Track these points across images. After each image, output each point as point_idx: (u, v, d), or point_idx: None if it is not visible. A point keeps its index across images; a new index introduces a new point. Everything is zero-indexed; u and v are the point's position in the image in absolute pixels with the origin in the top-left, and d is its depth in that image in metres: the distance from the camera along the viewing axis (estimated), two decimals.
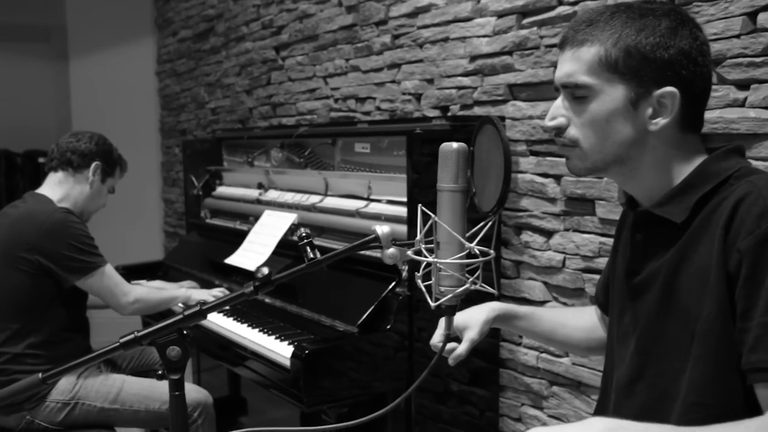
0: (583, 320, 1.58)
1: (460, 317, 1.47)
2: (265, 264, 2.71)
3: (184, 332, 1.20)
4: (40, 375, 1.19)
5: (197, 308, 1.19)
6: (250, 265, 2.76)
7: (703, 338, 1.09)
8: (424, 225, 1.19)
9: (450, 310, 1.19)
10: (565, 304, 2.27)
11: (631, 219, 1.27)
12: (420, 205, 1.19)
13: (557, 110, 1.21)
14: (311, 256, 1.22)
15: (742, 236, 1.04)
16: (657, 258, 1.19)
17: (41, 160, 5.19)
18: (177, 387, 1.19)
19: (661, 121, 1.15)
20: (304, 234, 1.24)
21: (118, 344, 1.18)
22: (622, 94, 1.14)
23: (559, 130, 1.21)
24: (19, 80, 5.63)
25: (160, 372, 1.23)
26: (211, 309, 1.18)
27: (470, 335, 1.44)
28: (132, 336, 1.18)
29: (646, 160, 1.18)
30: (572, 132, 1.20)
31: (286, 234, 2.75)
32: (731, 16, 1.75)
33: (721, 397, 1.09)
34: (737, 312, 1.05)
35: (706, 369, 1.09)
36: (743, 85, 1.75)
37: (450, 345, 1.43)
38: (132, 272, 3.16)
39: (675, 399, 1.15)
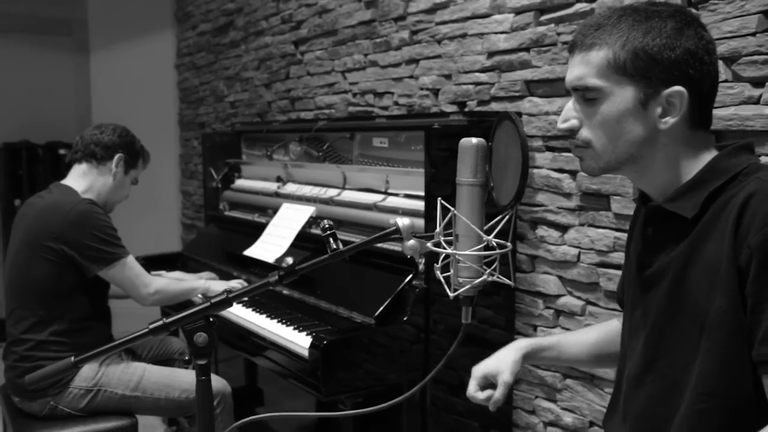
0: (610, 335, 1.57)
1: (491, 363, 1.50)
2: (283, 256, 2.75)
3: (211, 319, 1.24)
4: (72, 359, 1.24)
5: (224, 296, 1.23)
6: (269, 257, 2.81)
7: (712, 331, 1.13)
8: (443, 218, 1.23)
9: (468, 301, 1.23)
10: (579, 298, 2.30)
11: (643, 214, 1.31)
12: (440, 198, 1.23)
13: (569, 113, 1.25)
14: (334, 246, 1.26)
15: (753, 232, 1.07)
16: (667, 252, 1.23)
17: (62, 151, 5.26)
18: (203, 372, 1.24)
19: (670, 120, 1.18)
20: (327, 225, 1.28)
21: (147, 330, 1.23)
22: (632, 94, 1.18)
23: (572, 132, 1.25)
24: (40, 72, 5.70)
25: (186, 357, 1.27)
26: (238, 297, 1.22)
27: (504, 378, 1.45)
28: (161, 322, 1.23)
29: (658, 158, 1.22)
30: (585, 133, 1.24)
31: (304, 227, 2.79)
32: (747, 14, 1.77)
33: (729, 389, 1.12)
34: (748, 306, 1.09)
35: (715, 361, 1.13)
36: (758, 82, 1.77)
37: (487, 392, 1.47)
38: (151, 263, 3.21)
39: (684, 390, 1.18)
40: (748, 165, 1.17)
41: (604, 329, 1.60)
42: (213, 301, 1.23)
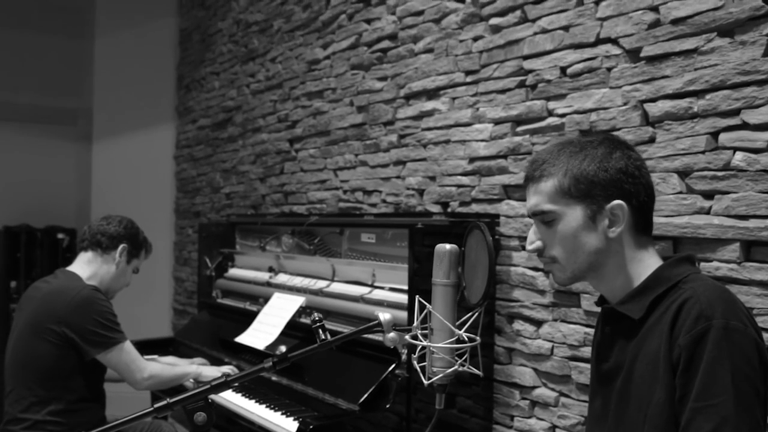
0: None
1: None
2: (274, 344, 2.88)
3: (210, 400, 1.38)
4: None
5: (222, 379, 1.37)
6: (260, 344, 2.93)
7: (653, 419, 1.28)
8: (420, 313, 1.39)
9: (441, 388, 1.38)
10: (553, 389, 2.44)
11: (601, 314, 1.48)
12: (417, 296, 1.40)
13: (533, 236, 1.45)
14: (323, 337, 1.41)
15: (683, 334, 1.25)
16: (621, 348, 1.40)
17: (60, 236, 5.42)
18: None
19: (617, 229, 1.38)
20: (317, 318, 1.44)
21: (152, 409, 1.36)
22: (581, 213, 1.38)
23: (539, 252, 1.44)
24: (43, 159, 5.91)
25: None
26: (236, 380, 1.37)
27: None
28: (165, 402, 1.36)
29: (611, 264, 1.40)
30: (549, 251, 1.43)
31: (294, 316, 2.93)
32: (697, 135, 1.99)
33: None
34: (676, 397, 1.25)
35: None
36: (708, 195, 1.97)
37: None
38: (144, 347, 3.29)
39: None
40: (688, 275, 1.35)
41: None
42: (213, 383, 1.37)
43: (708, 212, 1.97)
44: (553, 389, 2.45)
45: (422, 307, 1.39)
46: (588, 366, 2.27)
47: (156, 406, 1.37)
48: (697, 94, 1.99)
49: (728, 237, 1.90)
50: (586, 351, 2.31)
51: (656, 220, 2.05)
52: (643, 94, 2.13)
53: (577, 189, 1.37)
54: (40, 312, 2.56)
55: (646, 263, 1.40)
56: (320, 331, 1.42)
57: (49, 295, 2.59)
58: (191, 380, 2.84)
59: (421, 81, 2.99)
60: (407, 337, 1.40)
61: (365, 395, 2.32)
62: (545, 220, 1.41)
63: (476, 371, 1.38)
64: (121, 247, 2.75)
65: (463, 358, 1.37)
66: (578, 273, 1.42)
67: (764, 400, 1.25)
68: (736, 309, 1.26)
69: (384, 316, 1.41)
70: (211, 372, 2.88)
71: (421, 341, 1.38)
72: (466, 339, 1.37)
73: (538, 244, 1.44)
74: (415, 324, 1.39)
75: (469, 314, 1.39)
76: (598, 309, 2.18)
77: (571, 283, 1.47)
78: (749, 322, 1.26)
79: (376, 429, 2.31)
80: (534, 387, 2.51)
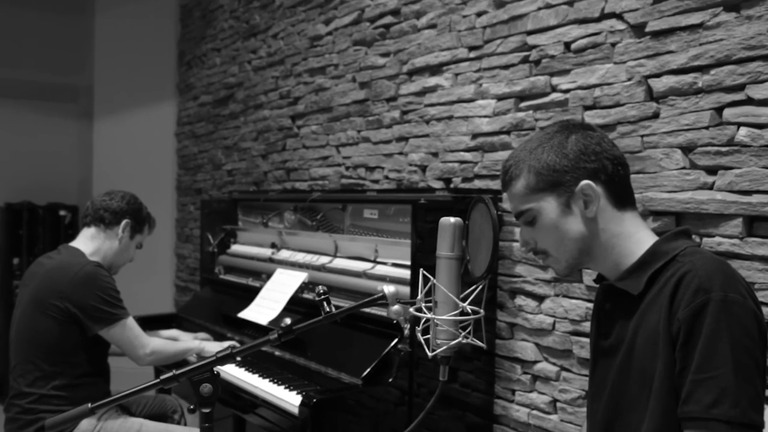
0: None
1: None
2: (276, 319, 2.90)
3: (215, 372, 1.39)
4: (89, 405, 1.38)
5: (228, 351, 1.38)
6: (262, 319, 2.95)
7: (656, 393, 1.29)
8: (425, 286, 1.40)
9: (445, 360, 1.38)
10: (554, 364, 2.45)
11: (601, 290, 1.49)
12: (421, 269, 1.40)
13: (522, 236, 1.49)
14: (327, 309, 1.42)
15: (682, 308, 1.26)
16: (621, 324, 1.41)
17: (62, 212, 5.42)
18: (207, 419, 1.38)
19: (593, 208, 1.40)
20: (322, 291, 1.45)
21: (158, 380, 1.37)
22: (555, 202, 1.42)
23: (533, 250, 1.48)
24: (44, 137, 5.90)
25: (192, 406, 1.42)
26: (241, 352, 1.38)
27: None
28: (171, 373, 1.38)
29: (600, 244, 1.42)
30: (540, 246, 1.46)
31: (296, 292, 2.94)
32: (701, 110, 1.98)
33: None
34: (676, 370, 1.26)
35: (658, 420, 1.29)
36: (712, 170, 1.97)
37: None
38: (147, 323, 3.31)
39: None
40: (685, 248, 1.36)
41: None
42: (218, 355, 1.38)
43: (711, 188, 1.97)
44: (554, 364, 2.46)
45: (426, 280, 1.40)
46: (588, 340, 2.28)
47: (162, 377, 1.38)
48: (702, 69, 1.98)
49: (731, 212, 1.91)
50: (588, 326, 2.32)
51: (659, 195, 2.07)
52: (647, 70, 2.13)
53: (544, 182, 1.41)
54: (44, 288, 2.57)
55: (637, 237, 1.42)
56: (325, 303, 1.43)
57: (52, 270, 2.60)
58: (194, 356, 2.86)
59: (424, 57, 2.98)
60: (411, 309, 1.41)
61: (368, 369, 2.34)
62: (527, 220, 1.45)
63: (480, 344, 1.39)
64: (124, 222, 2.76)
65: (467, 330, 1.38)
66: (572, 261, 1.45)
67: (764, 371, 1.26)
68: (734, 281, 1.27)
69: (388, 288, 1.42)
70: (214, 347, 2.90)
71: (425, 314, 1.38)
72: (470, 312, 1.38)
73: (530, 243, 1.48)
74: (419, 296, 1.40)
75: (473, 287, 1.40)
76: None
77: (569, 273, 1.49)
78: (748, 294, 1.27)
79: (379, 403, 2.33)
80: (535, 361, 2.53)
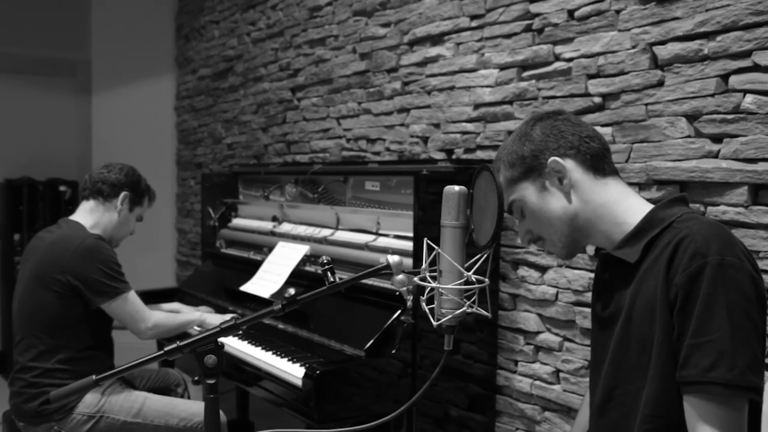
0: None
1: None
2: (278, 292, 2.90)
3: (220, 343, 1.38)
4: (93, 377, 1.38)
5: (232, 322, 1.38)
6: (265, 292, 2.95)
7: (655, 360, 1.29)
8: (429, 256, 1.39)
9: (450, 330, 1.38)
10: (557, 334, 2.45)
11: (599, 260, 1.49)
12: (426, 238, 1.39)
13: (520, 230, 1.55)
14: (332, 280, 1.41)
15: (679, 273, 1.25)
16: (620, 293, 1.41)
17: (62, 188, 5.41)
18: (212, 390, 1.38)
19: (567, 181, 1.43)
20: (326, 261, 1.44)
21: (162, 352, 1.37)
22: (531, 187, 1.47)
23: (531, 240, 1.53)
24: (43, 112, 5.87)
25: (196, 378, 1.41)
26: (245, 323, 1.37)
27: None
28: (174, 345, 1.37)
29: (588, 217, 1.44)
30: (535, 234, 1.52)
31: (298, 265, 2.94)
32: (706, 77, 1.96)
33: (668, 409, 1.28)
34: (674, 336, 1.25)
35: (657, 386, 1.30)
36: (717, 138, 1.95)
37: None
38: (149, 297, 3.30)
39: (638, 414, 1.34)
40: (682, 214, 1.35)
41: (582, 418, 1.72)
42: (223, 326, 1.38)
43: (716, 156, 1.96)
44: (557, 334, 2.46)
45: (431, 250, 1.38)
46: None
47: (166, 348, 1.38)
48: (708, 35, 1.96)
49: (736, 181, 1.89)
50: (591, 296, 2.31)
51: (663, 164, 2.05)
52: (652, 37, 2.10)
53: (517, 171, 1.47)
54: (45, 262, 2.56)
55: (626, 205, 1.42)
56: (329, 273, 1.42)
57: (53, 245, 2.59)
58: (196, 328, 2.86)
59: (425, 26, 2.95)
60: (416, 279, 1.40)
61: (371, 341, 2.34)
62: (516, 212, 1.51)
63: (485, 313, 1.38)
64: (122, 194, 2.74)
65: (472, 299, 1.37)
66: (565, 239, 1.47)
67: (763, 334, 1.25)
68: (731, 245, 1.26)
69: (393, 258, 1.41)
70: (215, 319, 2.91)
71: (430, 283, 1.37)
72: (475, 281, 1.37)
73: (527, 234, 1.53)
74: (423, 266, 1.39)
75: (478, 256, 1.38)
76: None
77: (569, 254, 1.50)
78: (746, 258, 1.27)
79: (382, 374, 2.33)
80: (538, 332, 2.53)
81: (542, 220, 1.47)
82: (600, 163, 1.45)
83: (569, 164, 1.43)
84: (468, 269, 1.36)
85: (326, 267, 1.42)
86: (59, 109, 5.94)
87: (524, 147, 1.46)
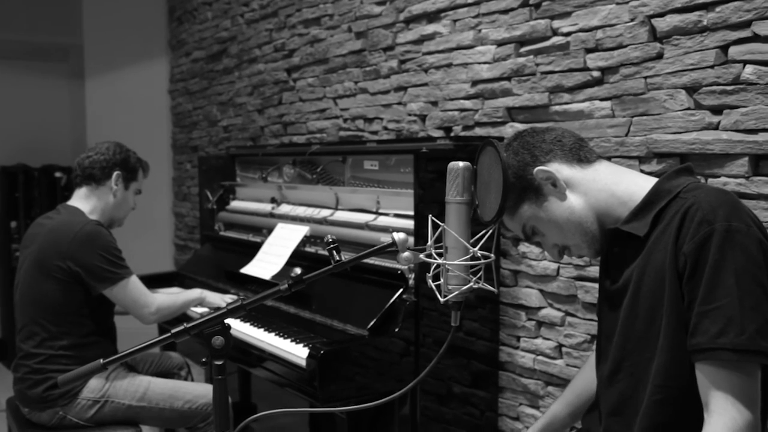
0: (584, 384, 1.71)
1: None
2: (279, 273, 2.90)
3: (227, 324, 1.38)
4: (101, 360, 1.38)
5: (239, 303, 1.38)
6: (265, 274, 2.95)
7: (665, 330, 1.30)
8: (434, 232, 1.39)
9: (456, 306, 1.38)
10: (559, 309, 2.46)
11: (608, 236, 1.49)
12: (430, 215, 1.39)
13: (545, 247, 1.53)
14: (337, 258, 1.41)
15: (687, 241, 1.26)
16: (629, 267, 1.41)
17: (57, 174, 5.38)
18: (220, 371, 1.38)
19: (562, 182, 1.43)
20: (331, 240, 1.44)
21: (170, 334, 1.37)
22: (533, 205, 1.46)
23: (560, 252, 1.51)
24: (36, 98, 5.83)
25: (204, 359, 1.42)
26: (251, 303, 1.37)
27: None
28: (182, 327, 1.37)
29: (595, 208, 1.44)
30: (560, 244, 1.50)
31: (298, 245, 2.94)
32: (706, 49, 1.95)
33: (679, 379, 1.29)
34: (684, 304, 1.26)
35: (667, 356, 1.30)
36: (717, 110, 1.95)
37: None
38: (148, 282, 3.28)
39: (647, 384, 1.34)
40: (688, 184, 1.35)
41: (578, 383, 1.74)
42: (229, 307, 1.38)
43: (716, 128, 1.95)
44: (559, 309, 2.47)
45: (435, 227, 1.38)
46: (594, 285, 2.29)
47: (174, 330, 1.37)
48: (707, 6, 1.95)
49: (736, 152, 1.89)
50: (592, 270, 2.32)
51: (663, 137, 2.05)
52: (650, 9, 2.09)
53: (512, 199, 1.45)
54: (45, 248, 2.55)
55: (625, 184, 1.43)
56: (334, 252, 1.42)
57: (52, 231, 2.58)
58: (197, 310, 2.86)
59: (421, 4, 2.92)
60: (422, 255, 1.40)
61: (374, 320, 2.34)
62: (532, 234, 1.51)
63: (491, 288, 1.39)
64: (114, 174, 2.71)
65: (478, 275, 1.37)
66: (588, 238, 1.46)
67: None
68: (738, 211, 1.26)
69: (398, 235, 1.41)
70: (215, 297, 2.91)
71: (436, 259, 1.38)
72: (481, 257, 1.37)
73: (551, 250, 1.52)
74: (429, 243, 1.39)
75: (484, 231, 1.39)
76: None
77: (599, 251, 1.49)
78: (753, 223, 1.27)
79: (385, 353, 2.34)
80: (540, 308, 2.54)
81: (558, 230, 1.46)
82: (581, 152, 1.46)
83: (554, 167, 1.44)
84: (474, 245, 1.36)
85: (331, 246, 1.42)
86: (53, 95, 5.90)
87: (506, 174, 1.44)
